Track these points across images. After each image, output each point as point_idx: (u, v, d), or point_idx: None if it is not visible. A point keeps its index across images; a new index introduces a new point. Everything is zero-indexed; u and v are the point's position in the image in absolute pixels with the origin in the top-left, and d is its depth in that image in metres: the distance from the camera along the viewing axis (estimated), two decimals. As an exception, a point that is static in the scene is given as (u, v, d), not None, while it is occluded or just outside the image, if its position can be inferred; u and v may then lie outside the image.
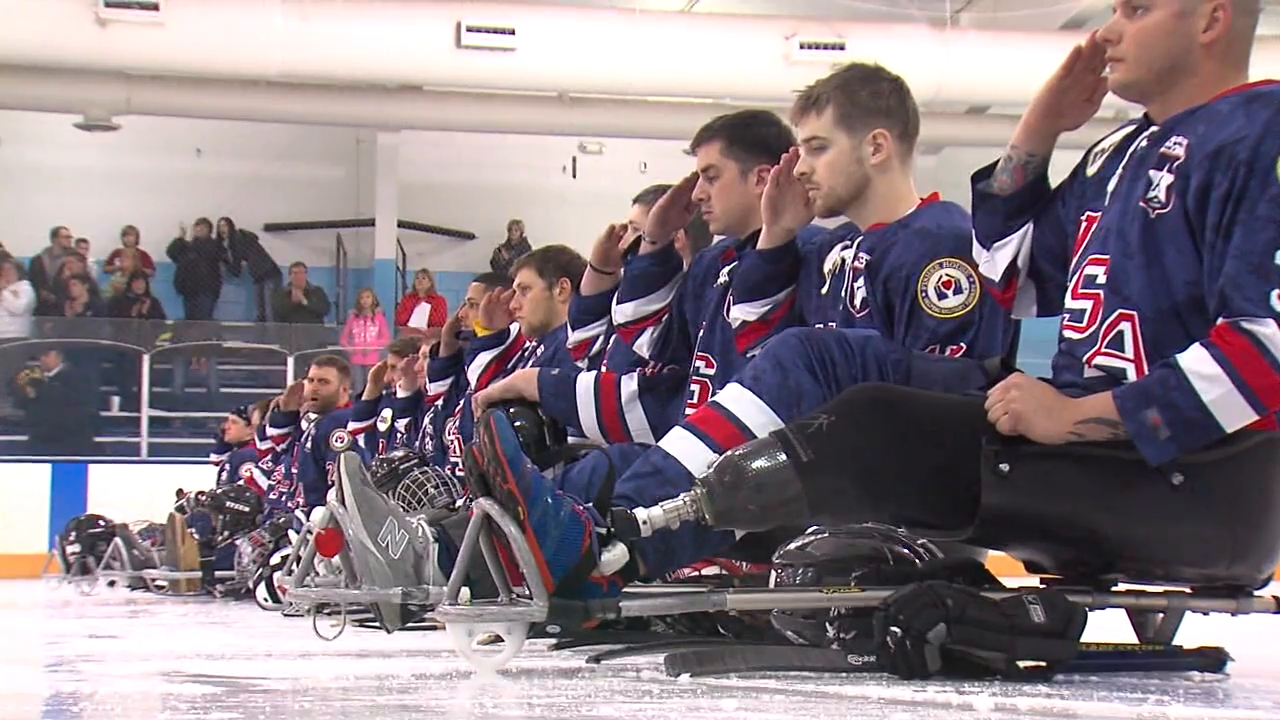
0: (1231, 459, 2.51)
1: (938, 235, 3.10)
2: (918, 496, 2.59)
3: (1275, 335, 2.42)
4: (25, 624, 5.65)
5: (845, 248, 3.28)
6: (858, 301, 3.17)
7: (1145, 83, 2.66)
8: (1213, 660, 2.69)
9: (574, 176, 18.60)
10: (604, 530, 2.53)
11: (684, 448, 2.71)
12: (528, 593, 2.50)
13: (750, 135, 3.72)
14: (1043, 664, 2.44)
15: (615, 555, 2.53)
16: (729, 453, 2.56)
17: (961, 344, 3.01)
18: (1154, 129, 2.67)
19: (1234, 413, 2.44)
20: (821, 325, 3.21)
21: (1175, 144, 2.58)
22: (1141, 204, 2.60)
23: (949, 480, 2.54)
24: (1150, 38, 2.63)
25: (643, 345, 3.95)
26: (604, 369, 4.24)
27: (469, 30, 14.61)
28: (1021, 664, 2.43)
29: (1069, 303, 2.72)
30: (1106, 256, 2.65)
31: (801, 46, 15.04)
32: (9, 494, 12.08)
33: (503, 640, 2.65)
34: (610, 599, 2.55)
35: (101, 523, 9.07)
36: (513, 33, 14.71)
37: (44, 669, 3.19)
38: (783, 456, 2.50)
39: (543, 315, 5.12)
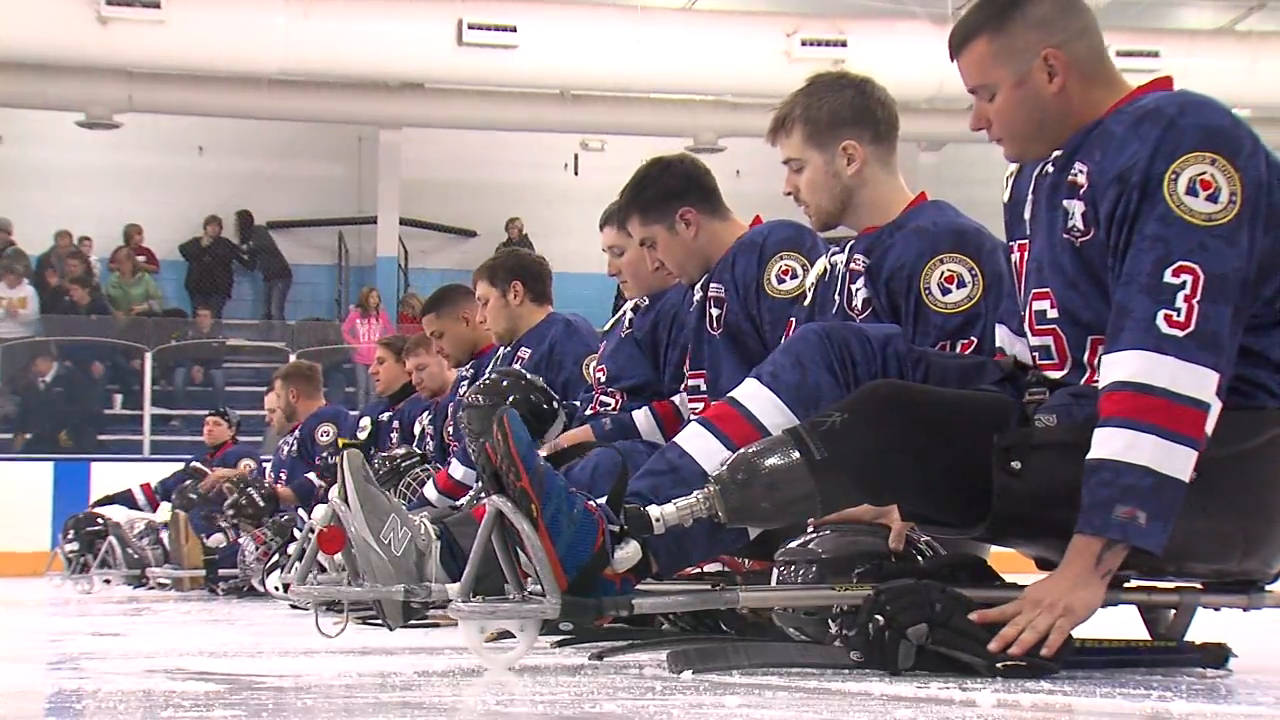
0: (1243, 454, 2.51)
1: (934, 233, 3.10)
2: (930, 494, 2.59)
3: (1143, 366, 2.39)
4: (28, 622, 5.65)
5: (835, 253, 3.29)
6: (859, 302, 3.17)
7: (1031, 148, 2.68)
8: (1215, 656, 2.69)
9: (576, 174, 18.60)
10: (617, 528, 2.53)
11: (699, 445, 2.70)
12: (539, 589, 2.50)
13: (654, 193, 3.86)
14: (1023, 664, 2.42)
15: (628, 553, 2.53)
16: (742, 450, 2.55)
17: (972, 338, 3.00)
18: (1057, 153, 2.65)
19: (1174, 458, 2.39)
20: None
21: (1079, 171, 2.57)
22: (1065, 235, 2.59)
23: (961, 478, 2.53)
24: (1007, 114, 2.67)
25: None
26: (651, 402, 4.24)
27: (470, 28, 14.61)
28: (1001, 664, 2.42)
29: (1031, 339, 2.71)
30: (1047, 290, 2.65)
31: (803, 43, 15.02)
32: (12, 491, 12.07)
33: (507, 636, 2.65)
34: (623, 596, 2.54)
35: (100, 521, 9.07)
36: (514, 30, 14.71)
37: (47, 667, 3.19)
38: (796, 454, 2.49)
39: (505, 322, 5.23)
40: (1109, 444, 2.40)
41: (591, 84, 15.75)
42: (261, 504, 7.72)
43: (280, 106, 15.70)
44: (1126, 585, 2.72)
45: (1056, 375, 2.66)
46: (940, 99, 15.57)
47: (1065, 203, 2.58)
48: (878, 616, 2.41)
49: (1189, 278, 2.41)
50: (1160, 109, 2.51)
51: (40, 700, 2.42)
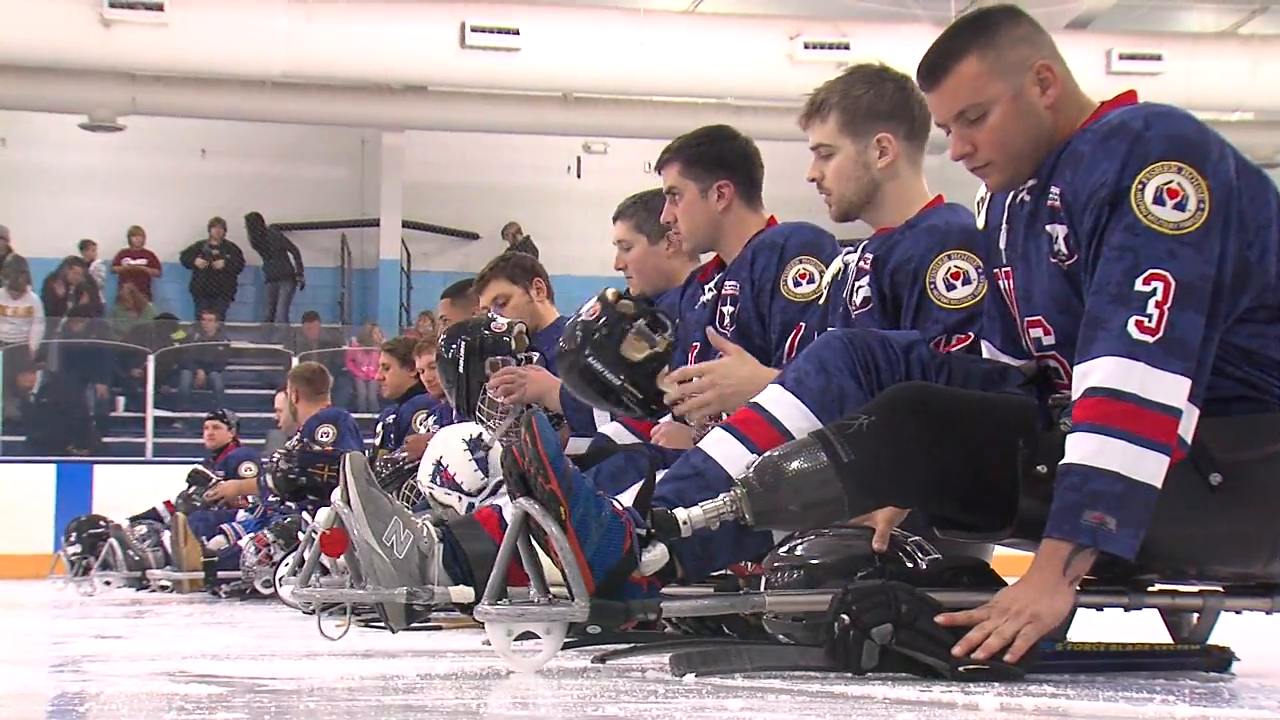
0: (1269, 458, 2.51)
1: (945, 230, 3.11)
2: (957, 497, 2.58)
3: (1114, 371, 2.39)
4: (31, 624, 5.65)
5: (849, 253, 3.29)
6: (858, 299, 3.17)
7: (1021, 170, 2.65)
8: (1219, 660, 2.68)
9: (578, 176, 18.60)
10: (644, 531, 2.53)
11: (724, 450, 2.68)
12: (564, 591, 2.49)
13: (706, 153, 3.79)
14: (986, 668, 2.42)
15: (655, 556, 2.52)
16: (768, 453, 2.54)
17: (969, 333, 3.00)
18: (1031, 182, 2.65)
19: (1145, 464, 2.38)
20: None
21: (1054, 195, 2.57)
22: (1052, 260, 2.59)
23: (988, 481, 2.52)
24: (1002, 134, 2.63)
25: None
26: None
27: (473, 30, 14.63)
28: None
29: (1040, 360, 2.71)
30: (1038, 317, 2.65)
31: (806, 46, 15.04)
32: (14, 494, 12.08)
33: (530, 637, 2.64)
34: (651, 600, 2.54)
35: (102, 523, 9.09)
36: (517, 33, 14.73)
37: (49, 669, 3.19)
38: (823, 457, 2.48)
39: (530, 320, 5.09)
40: (1078, 449, 2.40)
41: (594, 87, 15.76)
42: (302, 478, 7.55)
43: (283, 109, 15.72)
44: (1150, 589, 2.72)
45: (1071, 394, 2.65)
46: (942, 102, 15.54)
47: (1048, 228, 2.58)
48: (843, 616, 2.41)
49: (1159, 285, 2.40)
50: (1126, 124, 2.51)
51: (43, 703, 2.42)
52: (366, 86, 15.83)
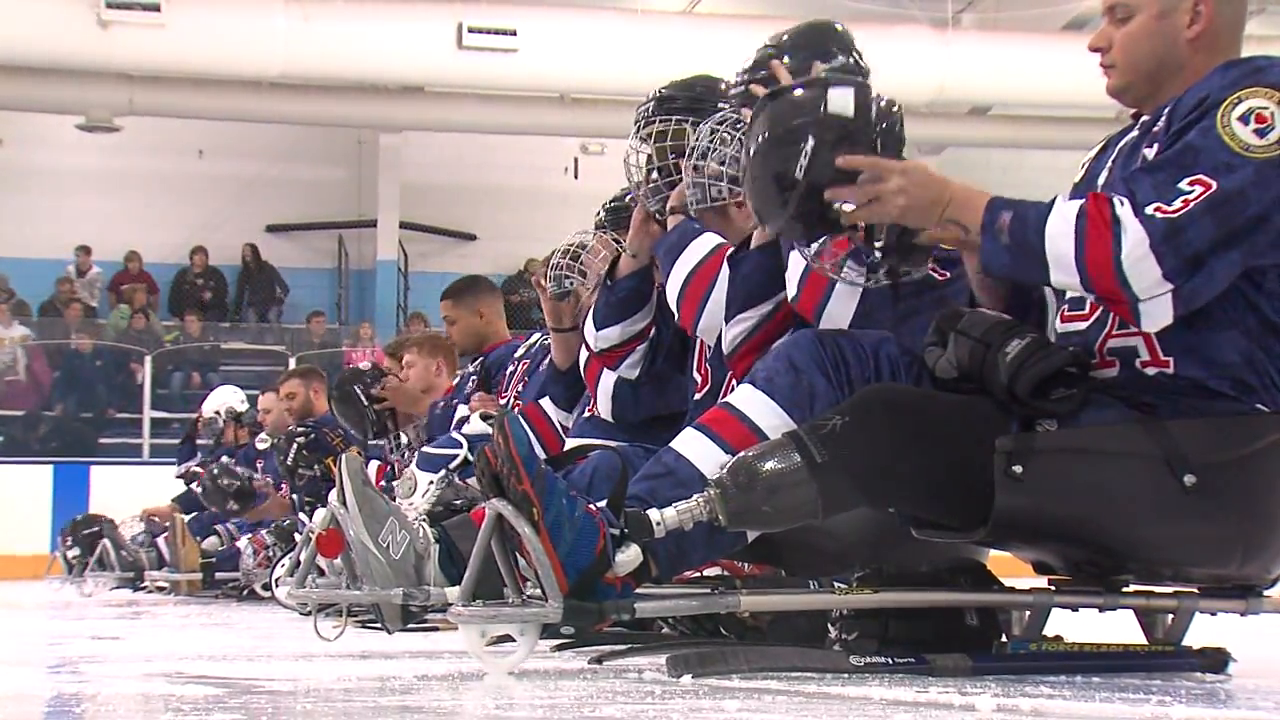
0: (1244, 459, 2.51)
1: None
2: (931, 498, 2.58)
3: (1132, 223, 2.40)
4: (28, 625, 5.65)
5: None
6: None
7: (1136, 85, 2.70)
8: (1215, 661, 2.69)
9: (575, 177, 18.59)
10: (617, 531, 2.53)
11: (696, 449, 2.68)
12: (539, 593, 2.49)
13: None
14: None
15: (629, 556, 2.52)
16: (742, 454, 2.54)
17: None
18: (1144, 119, 2.68)
19: (1062, 266, 2.44)
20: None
21: (1162, 120, 2.60)
22: None
23: (962, 482, 2.53)
24: (1135, 41, 2.67)
25: (629, 368, 3.94)
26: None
27: (470, 31, 14.62)
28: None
29: (1067, 294, 2.71)
30: None
31: (803, 47, 15.03)
32: (11, 495, 12.07)
33: (507, 640, 2.65)
34: (624, 600, 2.54)
35: (98, 524, 9.08)
36: (514, 33, 14.72)
37: (46, 670, 3.19)
38: (796, 458, 2.49)
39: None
40: (1066, 207, 2.46)
41: (592, 87, 15.75)
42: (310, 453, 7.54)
43: (280, 110, 15.72)
44: (1125, 590, 2.72)
45: (1081, 326, 2.66)
46: (940, 103, 15.56)
47: (1144, 150, 2.60)
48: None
49: (1199, 189, 2.42)
50: (1250, 60, 2.58)
51: (39, 704, 2.42)
52: (364, 87, 15.83)
